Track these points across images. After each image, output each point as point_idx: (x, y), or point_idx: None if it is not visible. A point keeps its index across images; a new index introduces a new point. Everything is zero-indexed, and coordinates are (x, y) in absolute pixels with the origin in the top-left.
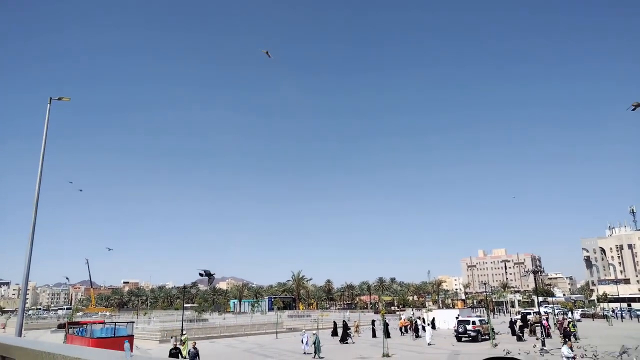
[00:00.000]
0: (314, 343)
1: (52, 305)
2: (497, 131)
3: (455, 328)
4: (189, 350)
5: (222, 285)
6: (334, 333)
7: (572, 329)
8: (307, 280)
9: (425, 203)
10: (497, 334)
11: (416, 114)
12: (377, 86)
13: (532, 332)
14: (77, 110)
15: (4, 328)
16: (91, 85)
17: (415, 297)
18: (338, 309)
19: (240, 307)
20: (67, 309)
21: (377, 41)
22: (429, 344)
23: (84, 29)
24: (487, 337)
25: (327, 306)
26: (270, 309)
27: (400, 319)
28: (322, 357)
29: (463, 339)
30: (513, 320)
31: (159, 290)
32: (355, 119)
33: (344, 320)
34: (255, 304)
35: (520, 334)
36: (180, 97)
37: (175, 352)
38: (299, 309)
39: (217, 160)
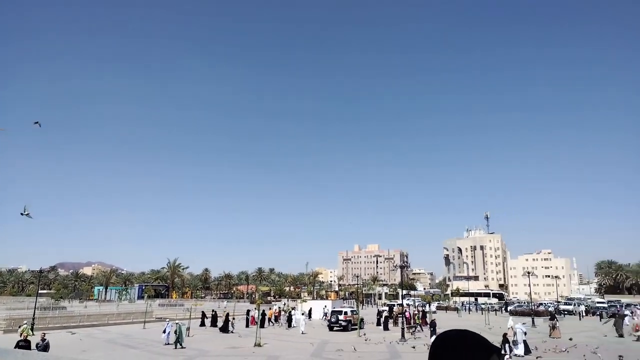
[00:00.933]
0: (176, 332)
1: None
2: (373, 139)
3: (328, 318)
4: (37, 343)
5: (87, 271)
6: (202, 323)
7: (417, 320)
8: (183, 269)
9: (311, 199)
10: (365, 324)
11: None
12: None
13: (395, 323)
14: None
15: None
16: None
17: (292, 288)
18: (214, 298)
19: (106, 294)
20: None
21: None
22: (303, 333)
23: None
24: (357, 327)
25: (202, 295)
26: (140, 297)
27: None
28: (184, 347)
29: (335, 328)
30: (380, 311)
31: (8, 274)
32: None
33: (225, 311)
34: (123, 292)
35: (386, 324)
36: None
37: (24, 344)
38: (172, 297)
39: (78, 133)
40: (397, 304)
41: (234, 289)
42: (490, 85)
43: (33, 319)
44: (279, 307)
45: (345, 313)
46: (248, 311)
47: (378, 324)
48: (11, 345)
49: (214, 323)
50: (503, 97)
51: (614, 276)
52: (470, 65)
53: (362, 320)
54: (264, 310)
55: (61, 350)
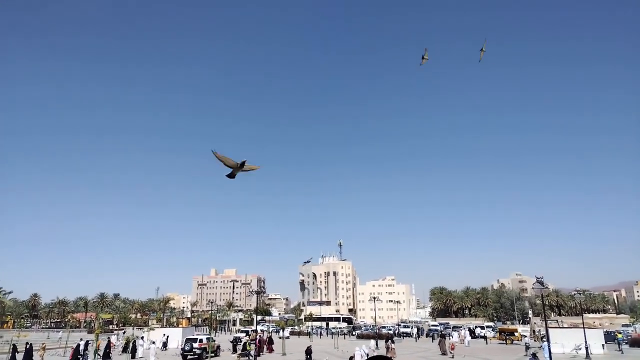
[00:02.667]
0: None
1: None
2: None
3: (182, 346)
4: None
5: None
6: (13, 358)
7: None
8: (4, 294)
9: (163, 222)
10: (222, 351)
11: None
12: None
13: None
14: None
15: None
16: None
17: (139, 315)
18: (43, 328)
19: None
20: None
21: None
22: None
23: None
24: (213, 354)
25: (29, 325)
26: None
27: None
28: None
29: (189, 357)
30: (235, 338)
31: None
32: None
33: (28, 342)
34: None
35: (243, 351)
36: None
37: None
38: None
39: None
40: (251, 330)
41: (69, 316)
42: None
43: None
44: (128, 337)
45: (201, 340)
46: (87, 342)
47: (234, 350)
48: None
49: (28, 358)
50: (342, 128)
51: (444, 301)
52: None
53: (218, 347)
54: (108, 340)
55: None
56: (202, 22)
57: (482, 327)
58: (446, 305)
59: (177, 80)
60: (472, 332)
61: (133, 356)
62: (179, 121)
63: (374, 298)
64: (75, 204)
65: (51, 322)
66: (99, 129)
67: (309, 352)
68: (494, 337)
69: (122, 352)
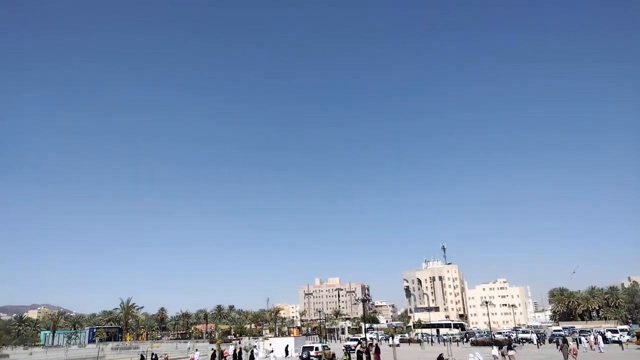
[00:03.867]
0: None
1: None
2: (339, 171)
3: (300, 354)
4: None
5: (32, 314)
6: None
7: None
8: (137, 309)
9: (269, 232)
10: (338, 359)
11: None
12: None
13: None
14: None
15: None
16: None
17: (253, 325)
18: (171, 339)
19: (53, 339)
20: None
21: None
22: None
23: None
24: None
25: (159, 337)
26: (91, 341)
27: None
28: None
29: None
30: (347, 346)
31: None
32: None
33: (154, 353)
34: (73, 336)
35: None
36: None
37: None
38: (126, 340)
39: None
40: (361, 338)
41: (192, 328)
42: (444, 108)
43: None
44: (237, 345)
45: (317, 349)
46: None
47: (349, 357)
48: None
49: None
50: (456, 118)
51: (566, 303)
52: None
53: (333, 355)
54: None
55: None
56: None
57: (615, 331)
58: (569, 307)
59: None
60: (603, 337)
61: None
62: (281, 134)
63: (486, 302)
64: (196, 228)
65: (178, 334)
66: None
67: (440, 359)
68: (629, 341)
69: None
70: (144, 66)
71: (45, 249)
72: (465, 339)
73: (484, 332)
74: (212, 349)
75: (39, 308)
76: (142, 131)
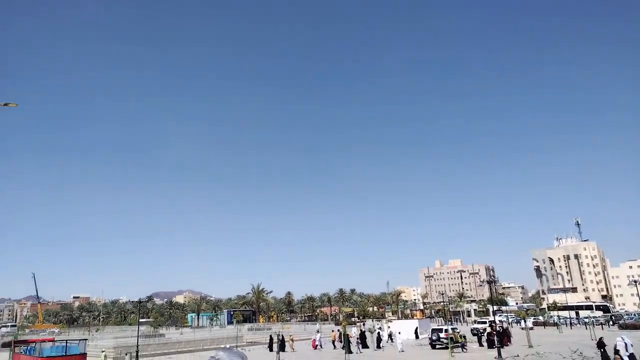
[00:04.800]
0: None
1: None
2: (452, 145)
3: (430, 336)
4: None
5: (179, 299)
6: (271, 347)
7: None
8: (267, 293)
9: (385, 214)
10: (468, 341)
11: (370, 128)
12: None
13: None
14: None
15: None
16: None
17: (375, 308)
18: (299, 321)
19: (198, 321)
20: (12, 326)
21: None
22: (401, 351)
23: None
24: (458, 345)
25: (288, 318)
26: (230, 322)
27: (335, 331)
28: None
29: (437, 346)
30: (480, 329)
31: (112, 305)
32: (319, 133)
33: (280, 334)
34: (214, 318)
35: (491, 341)
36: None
37: None
38: (259, 322)
39: (173, 171)
40: (490, 321)
41: (317, 311)
42: (573, 84)
43: (137, 346)
44: (361, 328)
45: (446, 331)
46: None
47: (479, 343)
48: None
49: (281, 346)
50: (590, 96)
51: None
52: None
53: (463, 337)
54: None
55: None
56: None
57: None
58: None
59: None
60: None
61: (378, 346)
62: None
63: (635, 282)
64: (318, 212)
65: (305, 316)
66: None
67: (601, 345)
68: None
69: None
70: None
71: (188, 241)
72: (610, 322)
73: (634, 314)
74: (337, 330)
75: (184, 293)
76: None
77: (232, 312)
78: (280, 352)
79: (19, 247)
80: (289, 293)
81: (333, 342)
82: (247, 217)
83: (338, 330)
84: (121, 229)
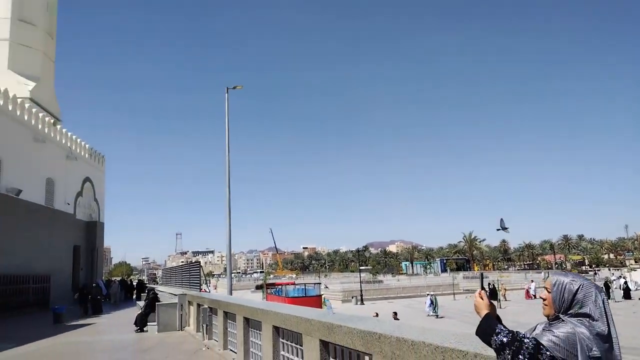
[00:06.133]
0: (432, 304)
1: (248, 270)
2: None
3: None
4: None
5: (392, 248)
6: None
7: None
8: (479, 241)
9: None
10: None
11: None
12: None
13: None
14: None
15: (215, 288)
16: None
17: (612, 255)
18: (517, 269)
19: (412, 269)
20: (260, 272)
21: None
22: None
23: None
24: None
25: (505, 267)
26: (443, 270)
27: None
28: (441, 317)
29: None
30: None
31: (334, 254)
32: None
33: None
34: (428, 266)
35: None
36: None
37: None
38: (473, 270)
39: (376, 126)
40: None
41: (539, 259)
42: None
43: (361, 291)
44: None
45: None
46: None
47: None
48: (354, 312)
49: (493, 295)
50: None
51: None
52: None
53: None
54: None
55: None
56: None
57: None
58: None
59: None
60: None
61: (608, 297)
62: None
63: None
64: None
65: (524, 264)
66: None
67: None
68: None
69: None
70: None
71: (397, 190)
72: None
73: None
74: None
75: (396, 243)
76: None
77: (445, 261)
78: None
79: (258, 205)
80: (503, 241)
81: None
82: (448, 167)
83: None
84: (335, 185)
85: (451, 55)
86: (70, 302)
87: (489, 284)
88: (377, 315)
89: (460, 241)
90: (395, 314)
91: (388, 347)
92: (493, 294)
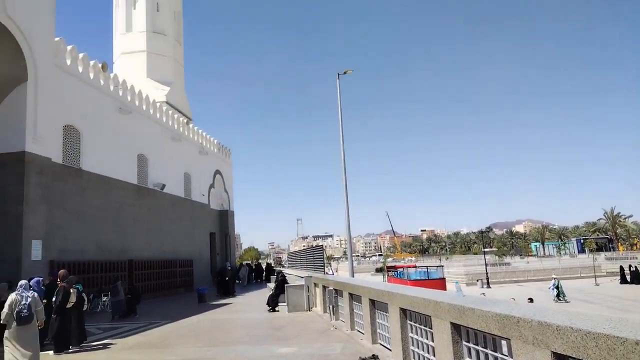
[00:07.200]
0: (557, 287)
1: (366, 253)
2: None
3: None
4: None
5: (519, 229)
6: (623, 280)
7: None
8: (625, 218)
9: None
10: None
11: None
12: None
13: None
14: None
15: (337, 271)
16: None
17: None
18: None
19: (543, 250)
20: (379, 255)
21: None
22: None
23: None
24: None
25: None
26: (581, 251)
27: None
28: (568, 302)
29: None
30: None
31: (454, 236)
32: None
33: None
34: (562, 246)
35: None
36: None
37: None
38: (618, 250)
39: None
40: None
41: None
42: None
43: (486, 274)
44: None
45: None
46: None
47: None
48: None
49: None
50: None
51: None
52: None
53: None
54: None
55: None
56: None
57: None
58: None
59: None
60: None
61: None
62: None
63: None
64: None
65: None
66: None
67: None
68: None
69: None
70: None
71: (522, 167)
72: None
73: None
74: None
75: (523, 223)
76: None
77: (582, 241)
78: (632, 284)
79: (373, 190)
80: None
81: None
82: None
83: None
84: (451, 168)
85: None
86: (209, 284)
87: (630, 266)
88: (514, 300)
89: (601, 218)
90: (531, 300)
91: (529, 331)
92: (636, 277)
